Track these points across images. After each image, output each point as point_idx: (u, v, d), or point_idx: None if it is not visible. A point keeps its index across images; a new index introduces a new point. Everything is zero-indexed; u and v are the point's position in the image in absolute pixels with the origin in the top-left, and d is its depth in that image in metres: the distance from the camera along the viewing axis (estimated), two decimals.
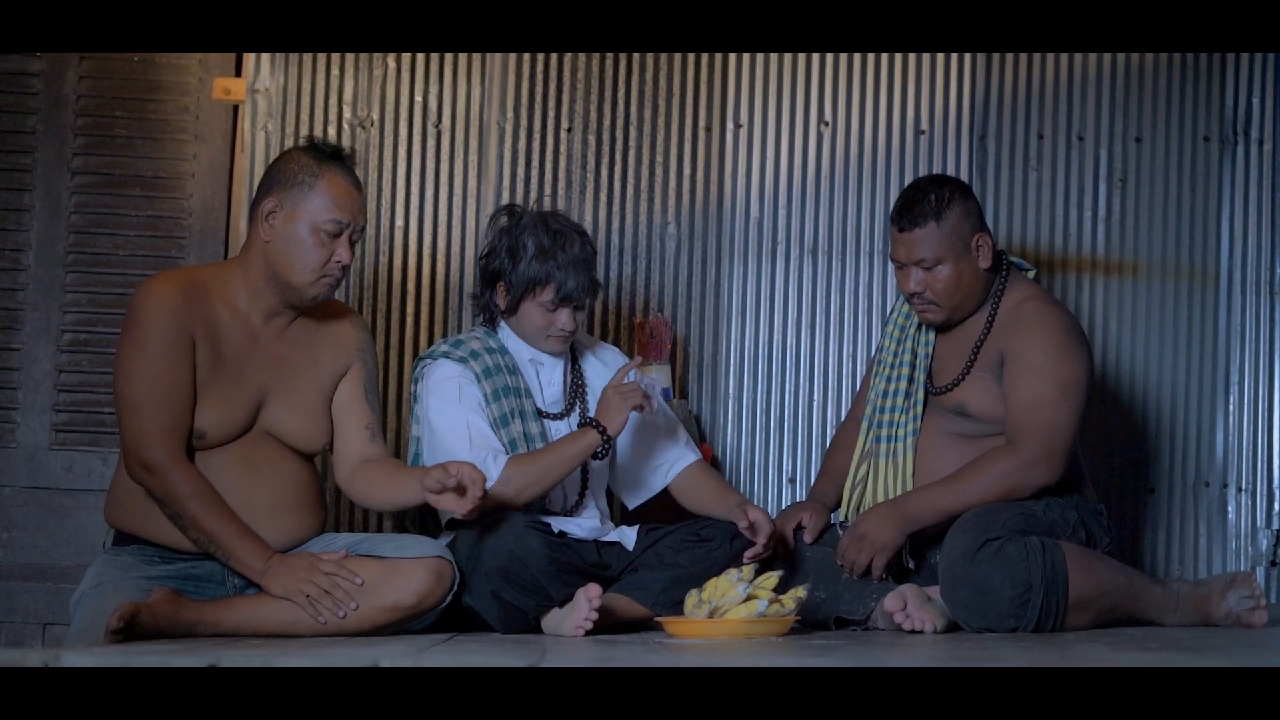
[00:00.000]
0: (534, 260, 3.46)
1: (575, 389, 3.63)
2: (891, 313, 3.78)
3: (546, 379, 3.58)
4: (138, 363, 3.12)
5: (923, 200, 3.52)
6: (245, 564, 3.09)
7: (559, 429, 3.57)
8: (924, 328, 3.67)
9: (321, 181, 3.22)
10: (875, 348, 3.91)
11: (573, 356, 3.66)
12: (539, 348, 3.55)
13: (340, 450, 3.37)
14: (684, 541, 3.46)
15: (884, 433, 3.64)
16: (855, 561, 3.45)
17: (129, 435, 3.11)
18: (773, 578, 3.18)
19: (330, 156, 3.26)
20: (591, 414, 3.53)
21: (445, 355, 3.52)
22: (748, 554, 3.41)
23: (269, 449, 3.22)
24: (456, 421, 3.43)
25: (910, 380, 3.64)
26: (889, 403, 3.66)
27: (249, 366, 3.22)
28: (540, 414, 3.55)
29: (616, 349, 3.79)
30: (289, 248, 3.21)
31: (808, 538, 3.61)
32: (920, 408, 3.62)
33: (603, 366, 3.67)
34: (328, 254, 3.21)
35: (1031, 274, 3.70)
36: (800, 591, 3.18)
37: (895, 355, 3.69)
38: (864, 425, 3.70)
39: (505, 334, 3.58)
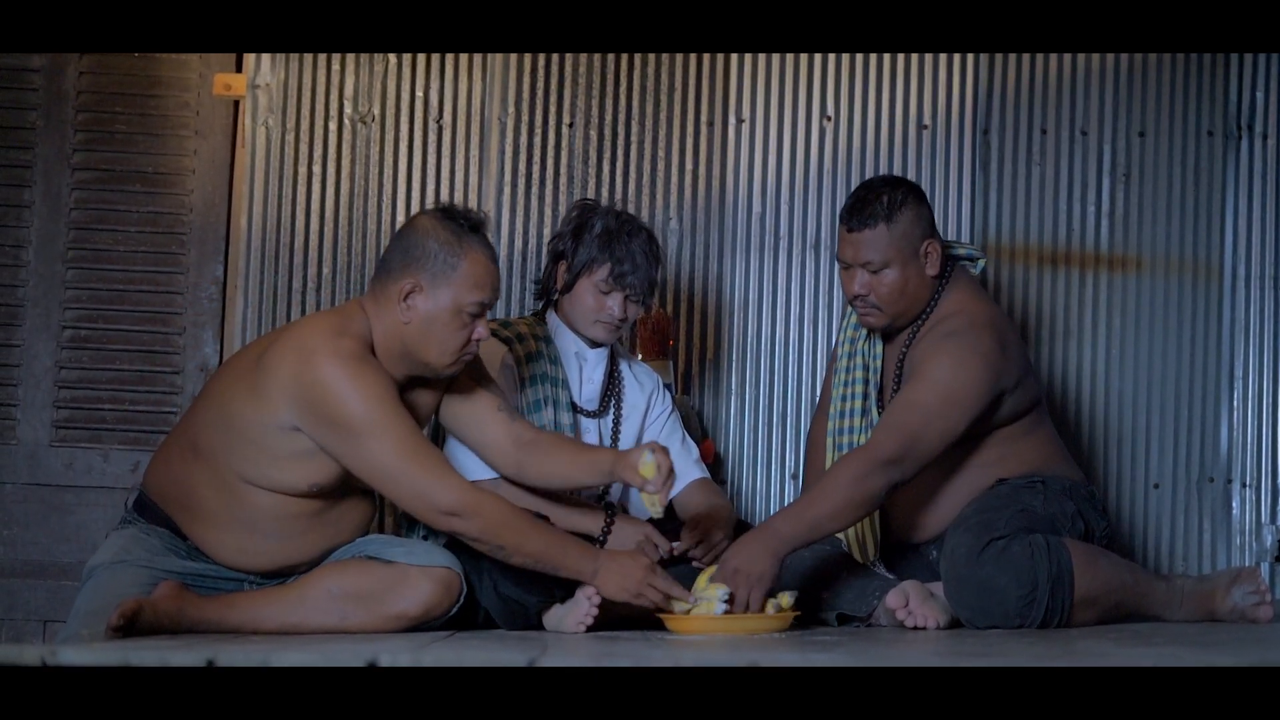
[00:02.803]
0: (597, 239, 3.52)
1: (611, 391, 3.64)
2: (842, 322, 3.71)
3: (588, 375, 3.60)
4: (396, 428, 2.98)
5: (874, 201, 3.45)
6: (578, 570, 3.05)
7: (591, 426, 3.59)
8: (871, 338, 3.61)
9: (465, 262, 3.05)
10: (830, 355, 3.87)
11: (612, 360, 3.67)
12: (587, 334, 3.56)
13: (488, 443, 3.28)
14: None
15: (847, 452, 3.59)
16: (728, 582, 3.21)
17: (415, 491, 2.99)
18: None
19: (471, 230, 3.09)
20: (624, 420, 3.63)
21: (493, 333, 3.54)
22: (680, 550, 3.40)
23: (344, 491, 3.14)
24: None
25: (864, 396, 3.59)
26: (847, 423, 3.61)
27: None
28: (575, 408, 3.56)
29: (652, 371, 3.81)
30: (429, 329, 3.06)
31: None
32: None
33: (635, 383, 3.70)
34: (468, 334, 3.08)
35: (980, 266, 3.63)
36: (785, 599, 3.18)
37: (848, 371, 3.63)
38: (829, 440, 3.66)
39: (554, 324, 3.60)
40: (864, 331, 3.62)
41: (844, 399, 3.63)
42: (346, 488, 3.15)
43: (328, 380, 2.96)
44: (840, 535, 3.61)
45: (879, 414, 3.56)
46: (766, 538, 3.26)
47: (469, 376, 3.27)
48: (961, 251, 3.64)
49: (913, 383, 3.39)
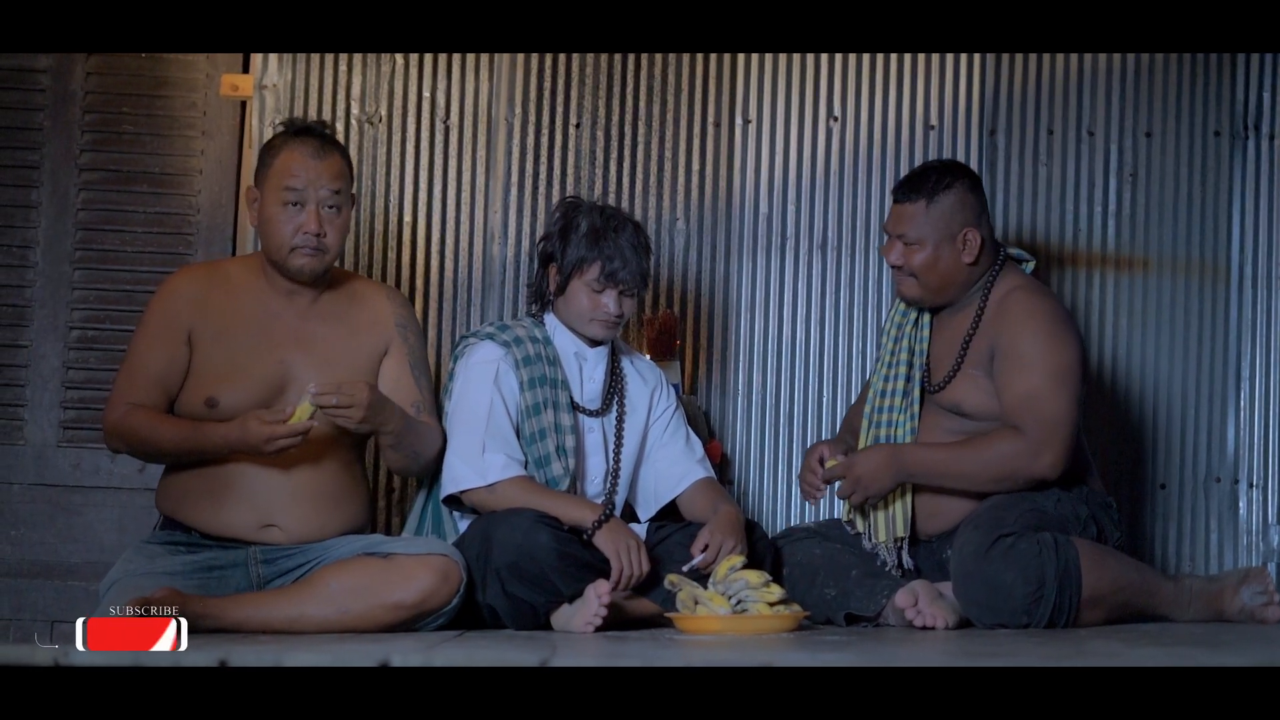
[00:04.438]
0: (584, 239, 3.52)
1: (614, 388, 3.64)
2: (890, 311, 3.77)
3: (589, 375, 3.60)
4: (130, 346, 3.38)
5: (924, 178, 3.56)
6: (222, 438, 3.19)
7: (594, 425, 3.58)
8: (919, 324, 3.65)
9: (278, 157, 3.35)
10: (877, 346, 3.89)
11: (614, 357, 3.67)
12: (584, 333, 3.56)
13: None
14: (692, 537, 3.46)
15: (883, 433, 3.61)
16: (845, 495, 3.51)
17: (105, 407, 3.36)
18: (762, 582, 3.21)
19: (295, 133, 3.39)
20: (627, 417, 3.62)
21: (490, 337, 3.56)
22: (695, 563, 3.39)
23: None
24: (483, 400, 3.47)
25: (907, 379, 3.62)
26: (887, 402, 3.63)
27: (270, 339, 3.33)
28: (576, 407, 3.56)
29: (652, 362, 3.83)
30: (265, 227, 3.35)
31: (827, 464, 3.57)
32: (917, 407, 3.60)
33: (638, 376, 3.71)
34: (295, 225, 3.31)
35: (1030, 266, 3.68)
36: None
37: (893, 354, 3.67)
38: (864, 424, 3.67)
39: (553, 325, 3.60)
40: (911, 316, 3.66)
41: (886, 379, 3.66)
42: (268, 405, 3.27)
43: None
44: (869, 516, 3.60)
45: (921, 397, 3.59)
46: (897, 465, 3.46)
47: (409, 367, 3.46)
48: (1013, 251, 3.68)
49: (1013, 372, 3.44)
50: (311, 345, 3.36)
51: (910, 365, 3.63)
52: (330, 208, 3.34)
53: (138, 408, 3.28)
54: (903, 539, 3.56)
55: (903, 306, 3.70)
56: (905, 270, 3.57)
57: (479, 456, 3.41)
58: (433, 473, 3.54)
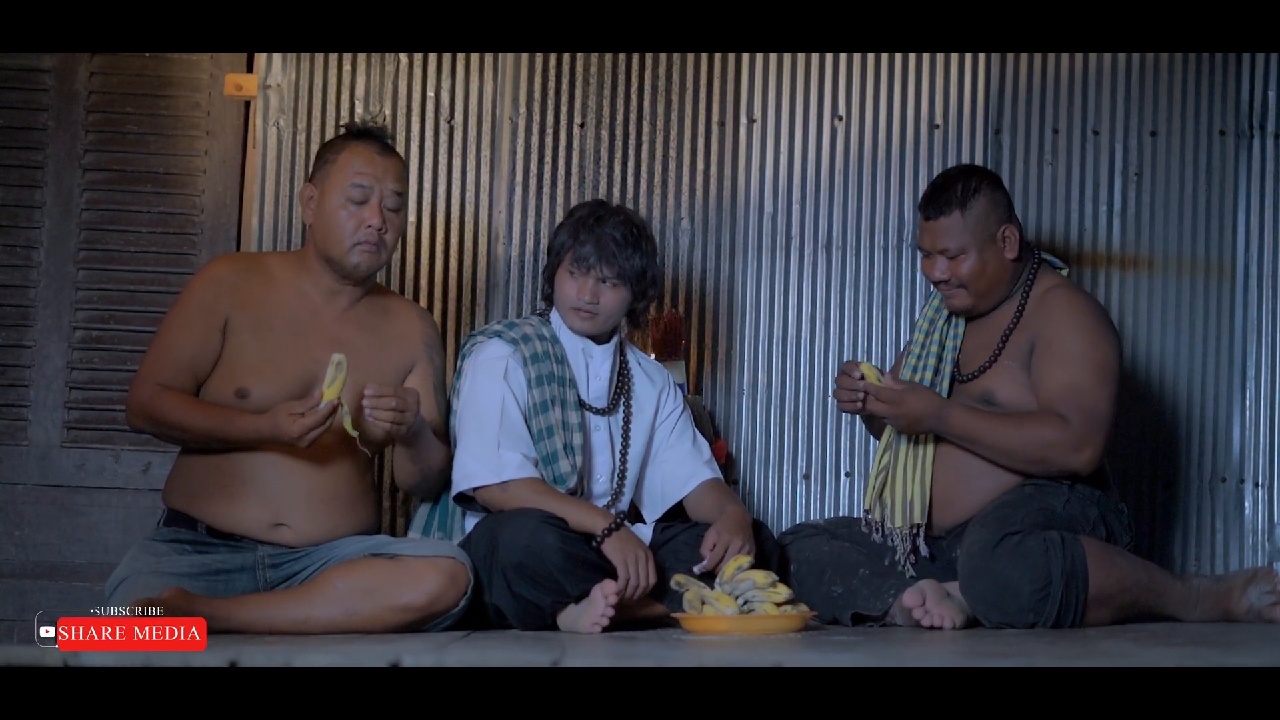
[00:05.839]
0: (569, 226, 3.55)
1: (621, 388, 3.64)
2: (924, 307, 3.78)
3: (594, 372, 3.60)
4: (163, 325, 3.39)
5: (949, 189, 3.54)
6: (254, 431, 3.21)
7: (601, 424, 3.58)
8: (953, 320, 3.67)
9: (343, 154, 3.40)
10: (906, 342, 3.90)
11: (621, 356, 3.67)
12: (568, 324, 3.57)
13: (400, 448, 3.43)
14: (698, 538, 3.46)
15: None
16: (874, 410, 3.45)
17: (133, 383, 3.35)
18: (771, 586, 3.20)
19: (357, 134, 3.44)
20: (634, 416, 3.63)
21: (498, 335, 3.57)
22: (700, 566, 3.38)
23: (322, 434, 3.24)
24: (494, 397, 3.47)
25: (936, 371, 3.63)
26: None
27: (306, 338, 3.35)
28: (583, 405, 3.56)
29: (659, 364, 3.84)
30: (326, 224, 3.37)
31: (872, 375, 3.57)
32: (945, 397, 3.61)
33: (645, 377, 3.71)
34: (358, 220, 3.35)
35: (1065, 273, 3.69)
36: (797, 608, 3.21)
37: (923, 346, 3.69)
38: None
39: (558, 322, 3.61)
40: (945, 314, 3.68)
41: (915, 370, 3.67)
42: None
43: None
44: (888, 504, 3.59)
45: (949, 386, 3.61)
46: (940, 415, 3.44)
47: (431, 390, 3.48)
48: (1046, 257, 3.70)
49: (1056, 365, 3.46)
50: (343, 348, 3.32)
51: (940, 359, 3.65)
52: (390, 207, 3.39)
53: (168, 389, 3.29)
54: (919, 526, 3.55)
55: (936, 303, 3.71)
56: (953, 283, 3.56)
57: (494, 453, 3.40)
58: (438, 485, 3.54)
